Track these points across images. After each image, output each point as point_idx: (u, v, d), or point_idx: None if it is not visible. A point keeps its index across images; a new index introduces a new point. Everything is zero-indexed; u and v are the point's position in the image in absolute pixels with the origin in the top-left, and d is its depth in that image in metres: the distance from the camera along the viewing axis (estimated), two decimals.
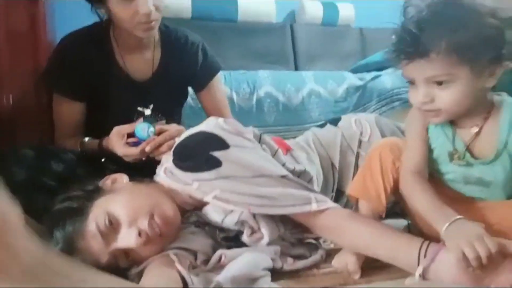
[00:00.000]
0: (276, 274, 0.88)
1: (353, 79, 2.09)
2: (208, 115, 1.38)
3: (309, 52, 2.70)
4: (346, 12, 2.90)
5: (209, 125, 0.98)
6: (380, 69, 2.27)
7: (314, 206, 0.89)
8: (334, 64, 2.67)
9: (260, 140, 1.06)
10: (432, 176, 0.87)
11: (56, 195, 0.86)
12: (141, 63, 1.23)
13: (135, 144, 1.06)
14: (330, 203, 0.91)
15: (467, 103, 0.76)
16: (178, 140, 0.97)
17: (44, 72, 1.23)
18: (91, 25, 1.22)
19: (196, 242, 0.92)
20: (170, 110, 1.29)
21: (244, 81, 1.89)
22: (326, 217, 0.89)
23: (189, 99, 1.74)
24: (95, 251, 0.82)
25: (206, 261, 0.90)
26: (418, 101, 0.77)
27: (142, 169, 1.03)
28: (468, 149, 0.81)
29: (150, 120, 1.11)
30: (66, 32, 1.24)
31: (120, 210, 0.84)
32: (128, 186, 0.94)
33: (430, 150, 0.87)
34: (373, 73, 2.22)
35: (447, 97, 0.74)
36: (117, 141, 1.06)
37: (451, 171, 0.86)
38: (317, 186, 1.07)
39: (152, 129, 1.07)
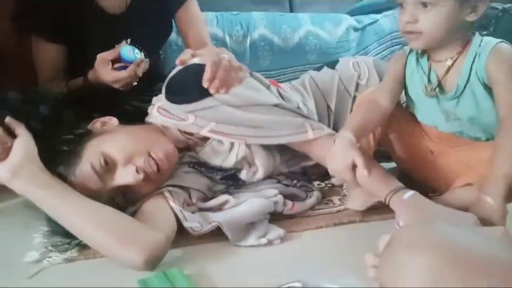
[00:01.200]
0: (273, 215, 0.90)
1: (351, 21, 2.01)
2: (185, 39, 1.32)
3: None
4: None
5: (201, 58, 0.95)
6: (378, 11, 2.18)
7: (310, 134, 0.91)
8: (329, 7, 2.56)
9: (251, 75, 1.04)
10: (413, 119, 0.93)
11: (43, 138, 0.84)
12: None
13: (122, 68, 1.03)
14: (327, 130, 0.93)
15: (446, 29, 0.80)
16: (170, 75, 0.95)
17: (19, 14, 1.16)
18: None
19: (190, 180, 0.93)
20: (152, 44, 1.23)
21: (237, 22, 1.81)
22: (322, 144, 0.90)
23: (178, 39, 1.68)
24: (92, 191, 0.81)
25: (202, 199, 0.92)
26: (403, 21, 0.81)
27: (130, 116, 1.01)
28: (441, 82, 0.85)
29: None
30: None
31: (115, 149, 0.83)
32: (120, 128, 0.93)
33: (407, 91, 0.92)
34: (371, 16, 2.14)
35: (430, 20, 0.79)
36: (103, 68, 1.03)
37: (428, 107, 0.89)
38: None
39: (137, 50, 1.03)
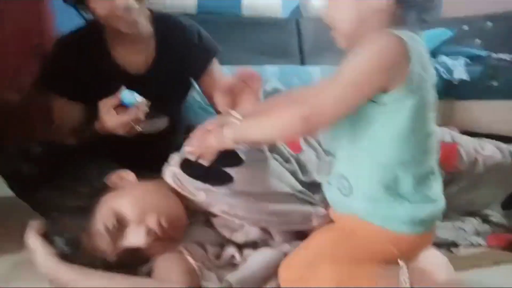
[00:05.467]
0: None
1: None
2: (211, 102, 1.31)
3: (315, 46, 2.68)
4: None
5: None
6: None
7: (314, 223, 0.92)
8: (340, 59, 2.64)
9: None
10: None
11: (65, 192, 0.86)
12: (136, 57, 1.21)
13: None
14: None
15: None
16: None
17: (41, 75, 1.21)
18: (84, 25, 1.21)
19: (205, 235, 0.91)
20: (171, 103, 1.25)
21: None
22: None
23: (197, 97, 1.73)
24: (102, 250, 0.81)
25: (218, 255, 0.90)
26: None
27: (145, 165, 0.99)
28: None
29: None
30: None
31: (127, 208, 0.83)
32: (134, 184, 0.93)
33: None
34: None
35: None
36: (106, 114, 1.03)
37: None
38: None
39: (137, 94, 1.04)
